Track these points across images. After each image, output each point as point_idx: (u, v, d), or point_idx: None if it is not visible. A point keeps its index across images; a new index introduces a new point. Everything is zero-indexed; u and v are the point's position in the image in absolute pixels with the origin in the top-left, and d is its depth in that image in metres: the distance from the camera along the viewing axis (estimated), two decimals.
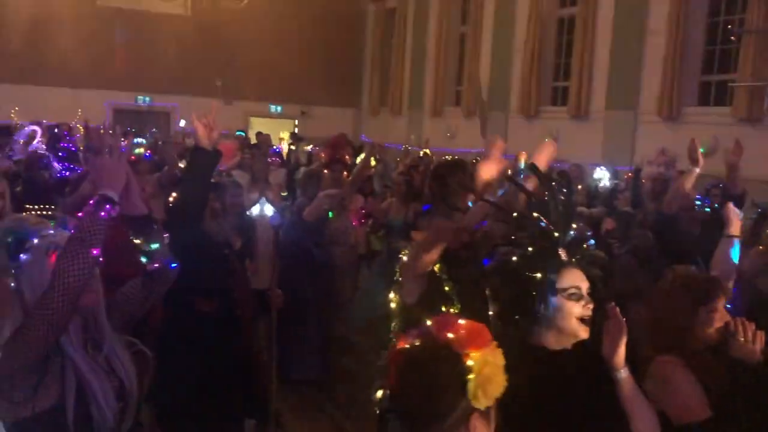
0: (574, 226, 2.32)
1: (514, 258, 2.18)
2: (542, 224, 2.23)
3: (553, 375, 2.10)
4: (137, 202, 2.14)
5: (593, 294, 2.18)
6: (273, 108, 18.46)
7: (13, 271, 1.91)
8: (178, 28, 16.70)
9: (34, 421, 1.84)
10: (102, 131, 2.18)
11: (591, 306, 2.15)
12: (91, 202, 1.90)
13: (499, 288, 2.23)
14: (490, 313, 2.24)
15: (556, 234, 2.22)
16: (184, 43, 16.64)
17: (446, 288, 3.13)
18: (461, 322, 1.53)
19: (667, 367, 2.43)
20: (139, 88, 16.69)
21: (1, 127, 9.04)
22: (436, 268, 3.12)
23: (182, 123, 13.73)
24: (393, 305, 3.16)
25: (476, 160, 7.78)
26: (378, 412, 3.08)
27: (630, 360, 2.14)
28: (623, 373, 2.08)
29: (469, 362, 1.46)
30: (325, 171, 6.42)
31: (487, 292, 3.61)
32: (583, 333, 2.15)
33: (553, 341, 2.18)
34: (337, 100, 18.44)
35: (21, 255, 1.91)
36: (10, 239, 1.92)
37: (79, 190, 4.24)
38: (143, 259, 2.12)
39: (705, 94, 10.55)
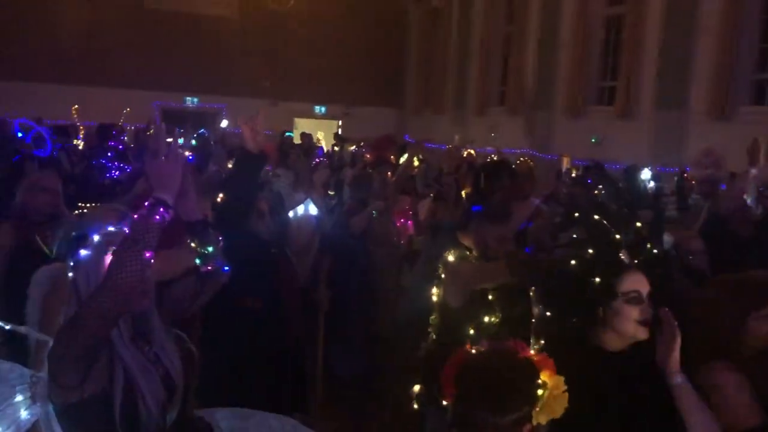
0: (638, 225, 2.28)
1: (573, 262, 2.15)
2: (604, 226, 2.20)
3: (610, 376, 2.08)
4: (194, 206, 2.18)
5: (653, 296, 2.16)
6: (317, 108, 18.60)
7: (71, 264, 1.98)
8: (226, 30, 16.98)
9: (82, 407, 1.89)
10: (155, 132, 2.19)
11: (650, 310, 2.12)
12: (145, 204, 1.93)
13: (557, 290, 2.21)
14: (547, 314, 2.23)
15: (618, 236, 2.18)
16: (231, 45, 16.91)
17: (490, 297, 3.14)
18: (532, 351, 1.75)
19: (717, 374, 2.38)
20: (187, 90, 17.01)
21: (58, 126, 9.30)
22: None
23: (224, 123, 13.94)
24: (434, 299, 3.17)
25: (521, 160, 7.72)
26: (415, 405, 3.11)
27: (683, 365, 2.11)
28: (678, 379, 2.06)
29: (545, 379, 1.65)
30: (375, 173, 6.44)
31: (531, 294, 3.60)
32: (642, 334, 2.13)
33: (610, 343, 2.16)
34: (380, 100, 18.49)
35: (81, 250, 1.97)
36: (73, 234, 1.99)
37: (133, 190, 4.33)
38: (197, 261, 2.16)
39: (759, 92, 10.25)
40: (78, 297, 1.94)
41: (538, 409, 1.63)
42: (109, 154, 7.28)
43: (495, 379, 1.67)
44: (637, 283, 2.14)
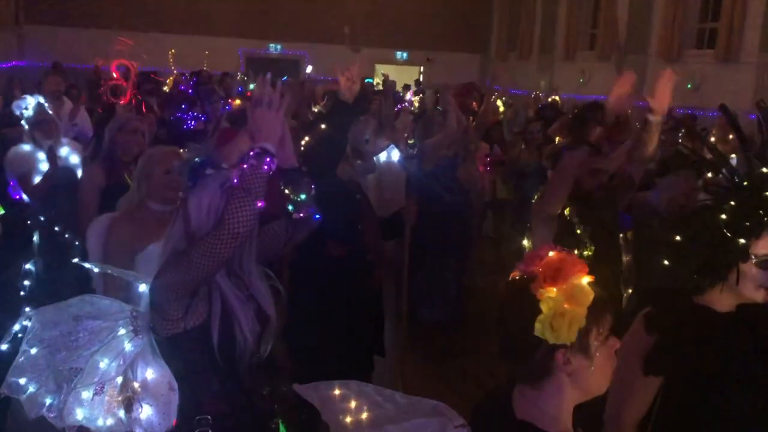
0: None
1: (723, 217, 1.94)
2: (760, 176, 2.00)
3: (719, 338, 1.95)
4: (290, 154, 2.20)
5: None
6: (399, 55, 18.38)
7: (187, 188, 2.02)
8: None
9: (184, 338, 1.98)
10: (258, 82, 2.20)
11: None
12: (251, 153, 1.96)
13: (689, 243, 2.02)
14: (665, 262, 2.07)
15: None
16: None
17: (578, 231, 3.05)
18: (550, 254, 1.48)
19: None
20: (270, 37, 17.12)
21: (145, 73, 9.51)
22: (566, 211, 3.06)
23: (309, 69, 13.97)
24: (526, 245, 3.11)
25: None
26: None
27: None
28: None
29: (541, 302, 1.42)
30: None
31: (621, 241, 3.46)
32: (763, 299, 1.96)
33: (723, 303, 2.01)
34: (463, 45, 18.08)
35: (198, 178, 2.01)
36: (197, 160, 2.02)
37: (235, 142, 4.39)
38: (290, 208, 2.18)
39: None
40: (187, 223, 1.98)
41: (549, 333, 1.41)
42: (182, 106, 7.39)
43: (507, 321, 1.49)
44: None
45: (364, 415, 1.54)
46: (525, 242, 3.13)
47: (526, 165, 5.96)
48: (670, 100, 3.01)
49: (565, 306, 1.40)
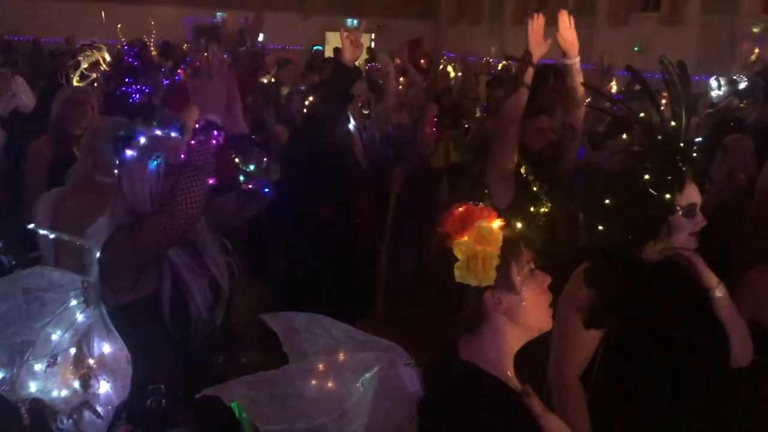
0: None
1: (647, 177, 2.02)
2: (667, 130, 2.07)
3: (653, 288, 2.04)
4: (240, 120, 2.15)
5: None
6: (349, 22, 18.16)
7: (117, 163, 1.98)
8: None
9: (135, 308, 1.96)
10: (192, 49, 2.13)
11: (703, 222, 2.06)
12: (197, 126, 1.91)
13: (619, 206, 2.09)
14: (599, 227, 2.13)
15: (682, 145, 2.05)
16: None
17: (534, 188, 3.10)
18: (459, 209, 1.58)
19: (759, 277, 2.32)
20: (217, 4, 16.71)
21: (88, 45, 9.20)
22: (522, 169, 3.12)
23: (261, 37, 13.69)
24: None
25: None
26: None
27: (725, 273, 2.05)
28: (718, 293, 2.02)
29: (455, 250, 1.52)
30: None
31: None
32: (693, 244, 2.07)
33: (656, 254, 2.09)
34: (414, 11, 17.95)
35: (127, 151, 1.96)
36: (121, 133, 1.98)
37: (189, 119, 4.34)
38: (241, 178, 2.14)
39: None
40: (123, 198, 1.94)
41: (469, 277, 1.52)
42: (126, 80, 7.18)
43: (439, 291, 1.62)
44: (693, 195, 2.05)
45: (321, 343, 1.64)
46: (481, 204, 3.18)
47: (491, 133, 5.98)
48: (576, 42, 3.13)
49: (477, 248, 1.50)
